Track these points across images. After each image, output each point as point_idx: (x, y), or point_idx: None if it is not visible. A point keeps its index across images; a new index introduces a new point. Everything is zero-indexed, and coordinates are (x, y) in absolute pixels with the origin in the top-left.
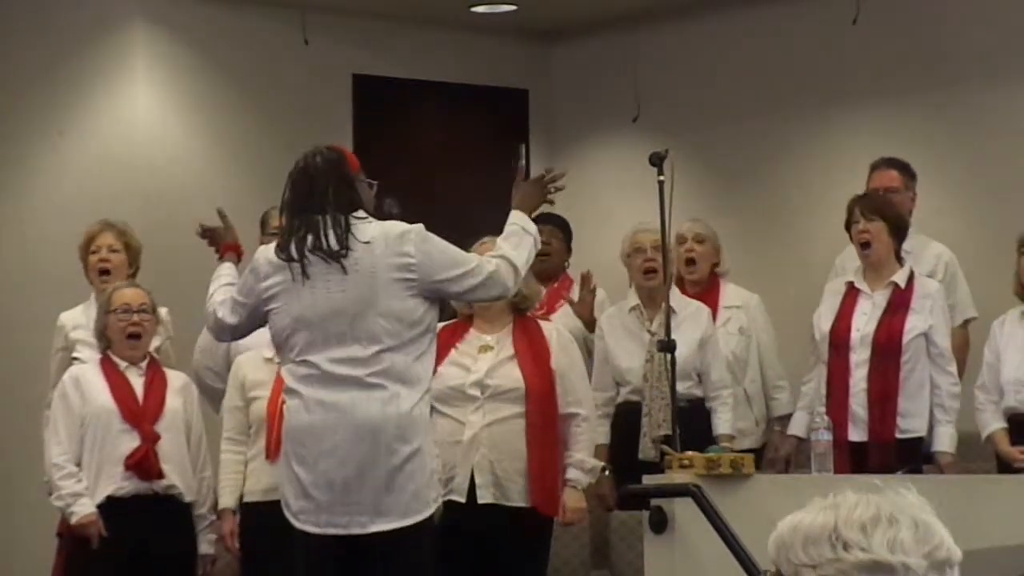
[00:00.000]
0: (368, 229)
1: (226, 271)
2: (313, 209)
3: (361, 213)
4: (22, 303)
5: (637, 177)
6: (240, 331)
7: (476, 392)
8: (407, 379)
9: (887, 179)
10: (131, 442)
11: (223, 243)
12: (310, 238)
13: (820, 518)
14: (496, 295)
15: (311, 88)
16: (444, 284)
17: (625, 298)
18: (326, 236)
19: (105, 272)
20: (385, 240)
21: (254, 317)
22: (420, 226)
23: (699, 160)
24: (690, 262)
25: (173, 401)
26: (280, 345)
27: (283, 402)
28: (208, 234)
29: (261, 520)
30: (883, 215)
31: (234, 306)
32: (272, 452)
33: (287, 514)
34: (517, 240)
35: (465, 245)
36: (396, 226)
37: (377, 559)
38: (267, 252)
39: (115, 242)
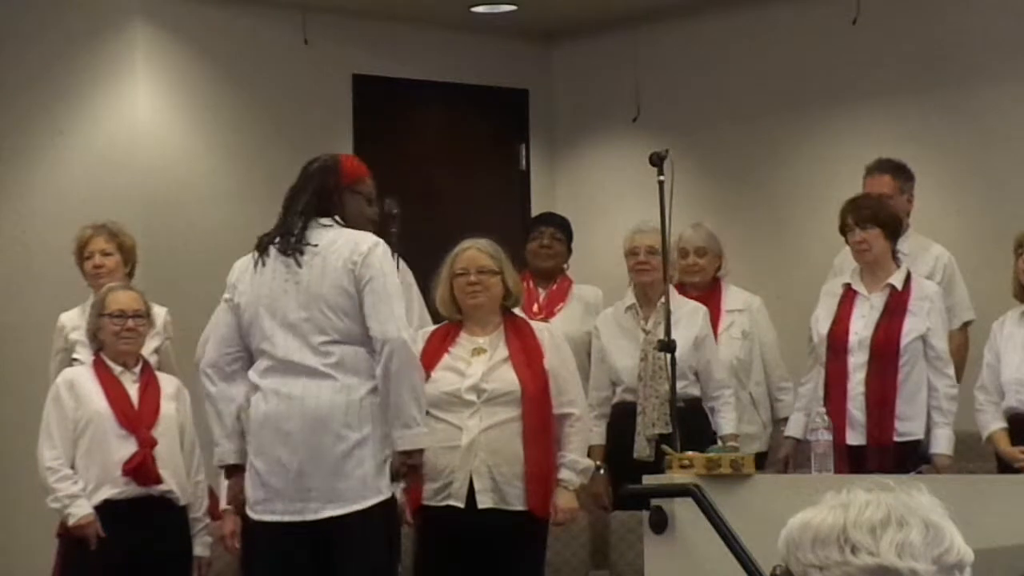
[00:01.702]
0: (326, 234)
1: None
2: (293, 209)
3: (327, 220)
4: (22, 304)
5: (637, 177)
6: (230, 349)
7: (472, 396)
8: (359, 371)
9: (879, 185)
10: (127, 447)
11: None
12: (280, 234)
13: (830, 518)
14: (381, 348)
15: (311, 88)
16: (364, 297)
17: (623, 298)
18: (289, 235)
19: (101, 276)
20: (343, 242)
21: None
22: (382, 243)
23: (699, 160)
24: (693, 274)
25: (167, 406)
26: (246, 336)
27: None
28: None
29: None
30: (877, 220)
31: (216, 331)
32: None
33: (247, 507)
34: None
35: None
36: (357, 233)
37: (333, 543)
38: (242, 259)
39: (107, 245)
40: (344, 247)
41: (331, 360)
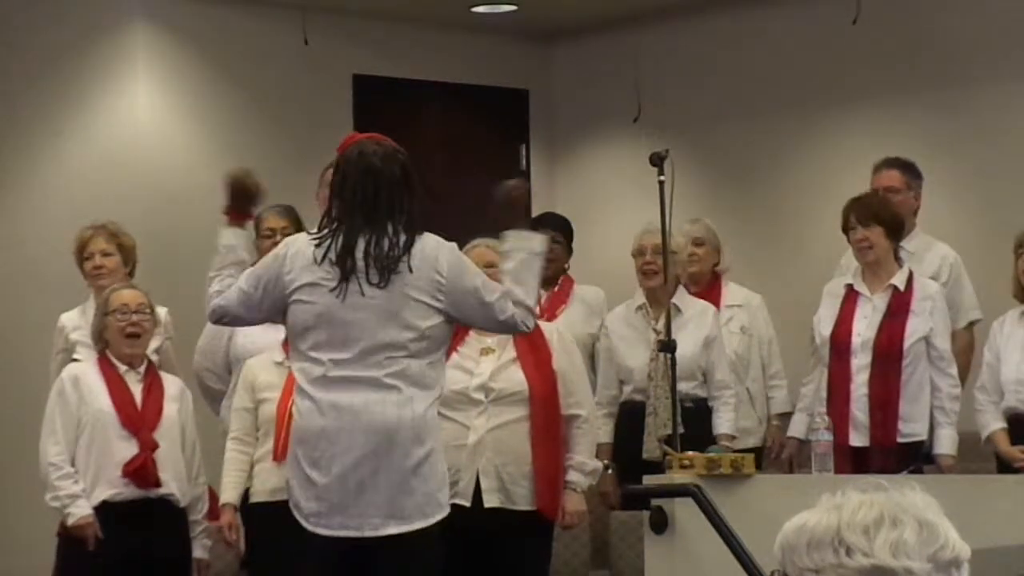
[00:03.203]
0: (417, 250)
1: (231, 247)
2: (379, 216)
3: (404, 231)
4: (20, 304)
5: (637, 177)
6: (242, 322)
7: (480, 395)
8: (421, 383)
9: (887, 179)
10: (129, 448)
11: (238, 209)
12: (363, 244)
13: (824, 520)
14: (511, 332)
15: (311, 88)
16: (464, 308)
17: (631, 297)
18: (382, 249)
19: (102, 277)
20: (422, 258)
21: (272, 309)
22: (453, 246)
23: (699, 160)
24: (691, 264)
25: (170, 408)
26: (294, 336)
27: (292, 403)
28: (234, 188)
29: (267, 521)
30: (878, 219)
31: (242, 297)
32: (280, 454)
33: (298, 516)
34: (529, 274)
35: (460, 246)
36: (431, 244)
37: (389, 561)
38: (300, 243)
39: (107, 245)
40: (423, 263)
41: (394, 369)
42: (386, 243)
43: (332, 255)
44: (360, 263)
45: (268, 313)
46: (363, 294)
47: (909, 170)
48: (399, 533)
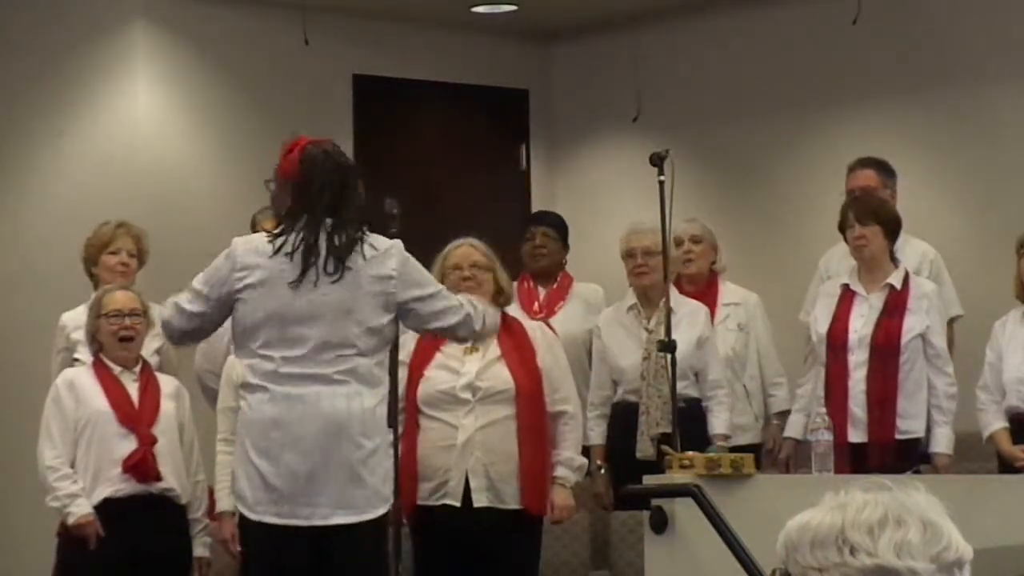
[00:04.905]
0: (368, 246)
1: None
2: (341, 211)
3: (353, 226)
4: (19, 305)
5: (637, 177)
6: (201, 322)
7: (468, 395)
8: (370, 381)
9: (862, 179)
10: (128, 445)
11: None
12: (324, 238)
13: (828, 519)
14: (455, 324)
15: (311, 88)
16: (414, 303)
17: (624, 298)
18: (338, 243)
19: (126, 275)
20: (369, 252)
21: (221, 307)
22: (399, 243)
23: (699, 160)
24: (687, 263)
25: (167, 405)
26: (242, 335)
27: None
28: None
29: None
30: (877, 218)
31: (194, 297)
32: None
33: (242, 507)
34: (487, 312)
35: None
36: (380, 240)
37: (335, 552)
38: (251, 242)
39: (133, 247)
40: (372, 258)
41: (346, 367)
42: (344, 237)
43: (289, 247)
44: (323, 254)
45: (214, 316)
46: (318, 288)
47: (884, 169)
48: (348, 523)
